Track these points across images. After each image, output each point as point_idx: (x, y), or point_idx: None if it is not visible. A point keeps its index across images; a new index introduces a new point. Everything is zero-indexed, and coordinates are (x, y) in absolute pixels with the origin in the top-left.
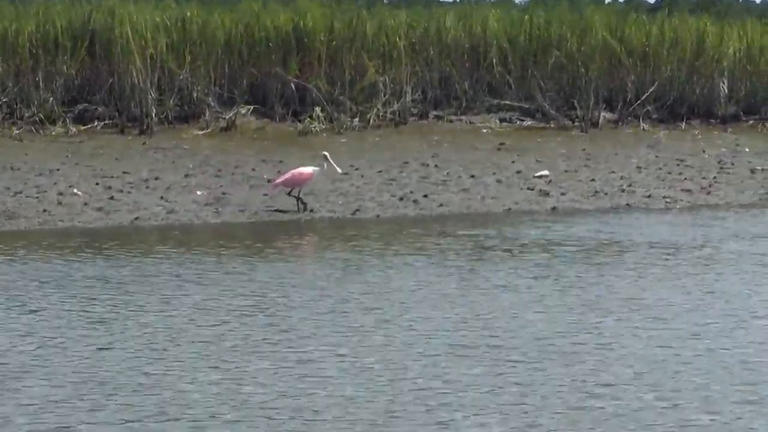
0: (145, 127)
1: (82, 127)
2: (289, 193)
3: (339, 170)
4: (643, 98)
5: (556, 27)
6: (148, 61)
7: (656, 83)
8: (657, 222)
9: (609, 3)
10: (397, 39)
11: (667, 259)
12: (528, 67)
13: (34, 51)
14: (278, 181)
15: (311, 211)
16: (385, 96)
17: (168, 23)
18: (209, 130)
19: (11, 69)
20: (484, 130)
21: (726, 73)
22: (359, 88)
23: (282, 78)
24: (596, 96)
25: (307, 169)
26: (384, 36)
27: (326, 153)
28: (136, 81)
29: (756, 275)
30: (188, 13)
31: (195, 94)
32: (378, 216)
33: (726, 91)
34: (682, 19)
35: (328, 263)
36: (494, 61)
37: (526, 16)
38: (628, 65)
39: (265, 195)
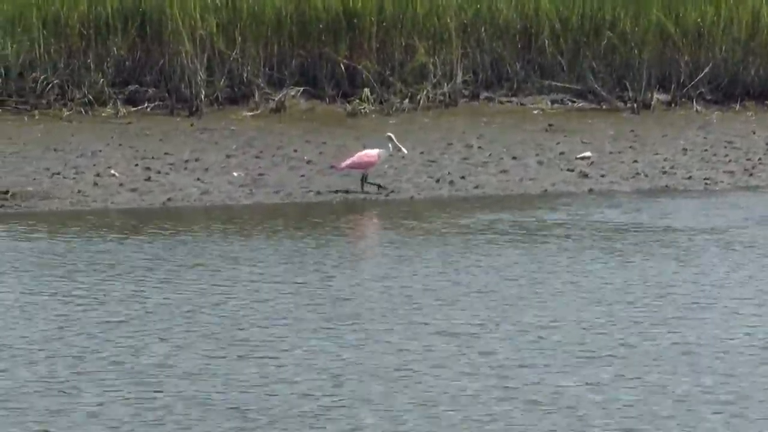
0: (194, 108)
1: (132, 109)
2: (363, 179)
3: (405, 150)
4: (696, 80)
5: (610, 7)
6: (198, 42)
7: (711, 64)
8: (684, 205)
9: None
10: (448, 20)
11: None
12: (580, 48)
13: (85, 32)
14: (344, 164)
15: (384, 191)
16: (435, 78)
17: (218, 3)
18: (259, 111)
19: (62, 50)
20: (535, 112)
21: None
22: (409, 70)
23: (332, 59)
24: (648, 77)
25: (373, 152)
26: (435, 17)
27: (391, 134)
28: (186, 62)
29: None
30: None
31: (245, 76)
32: (412, 197)
33: None
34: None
35: (335, 244)
36: (546, 42)
37: None
38: (682, 46)
39: (302, 176)
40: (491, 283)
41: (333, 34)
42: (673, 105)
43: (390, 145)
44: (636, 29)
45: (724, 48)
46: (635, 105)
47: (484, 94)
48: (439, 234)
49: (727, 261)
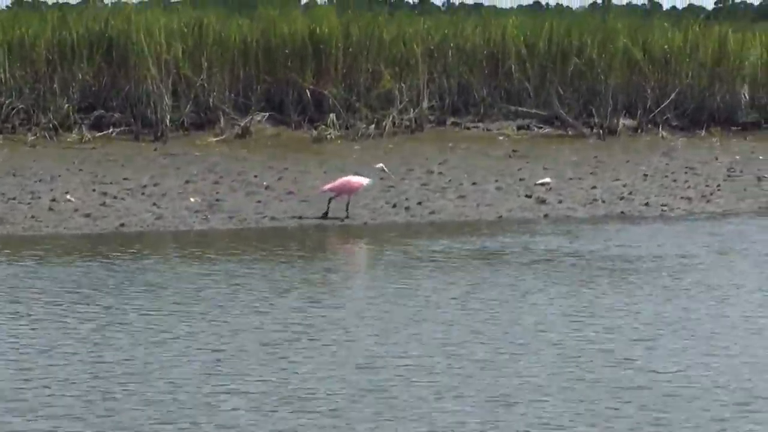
0: (159, 133)
1: (98, 134)
2: (330, 200)
3: (393, 177)
4: (663, 106)
5: (577, 33)
6: (163, 67)
7: (677, 90)
8: (636, 232)
9: (665, 11)
10: (415, 46)
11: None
12: (547, 74)
13: (50, 57)
14: (326, 186)
15: (346, 218)
16: (401, 103)
17: (184, 29)
18: (224, 136)
19: (28, 75)
20: (501, 138)
21: (747, 80)
22: (375, 95)
23: (298, 85)
24: (615, 103)
25: (357, 179)
26: (401, 42)
27: (382, 165)
28: (151, 87)
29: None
30: (205, 20)
31: (211, 101)
32: (365, 223)
33: (747, 98)
34: (705, 26)
35: (268, 267)
36: (513, 68)
37: (546, 23)
38: (649, 72)
39: (259, 202)
40: (420, 310)
41: (299, 60)
42: (639, 131)
43: (377, 176)
44: (603, 56)
45: (690, 74)
46: (601, 131)
47: (450, 120)
48: (377, 260)
49: (666, 290)
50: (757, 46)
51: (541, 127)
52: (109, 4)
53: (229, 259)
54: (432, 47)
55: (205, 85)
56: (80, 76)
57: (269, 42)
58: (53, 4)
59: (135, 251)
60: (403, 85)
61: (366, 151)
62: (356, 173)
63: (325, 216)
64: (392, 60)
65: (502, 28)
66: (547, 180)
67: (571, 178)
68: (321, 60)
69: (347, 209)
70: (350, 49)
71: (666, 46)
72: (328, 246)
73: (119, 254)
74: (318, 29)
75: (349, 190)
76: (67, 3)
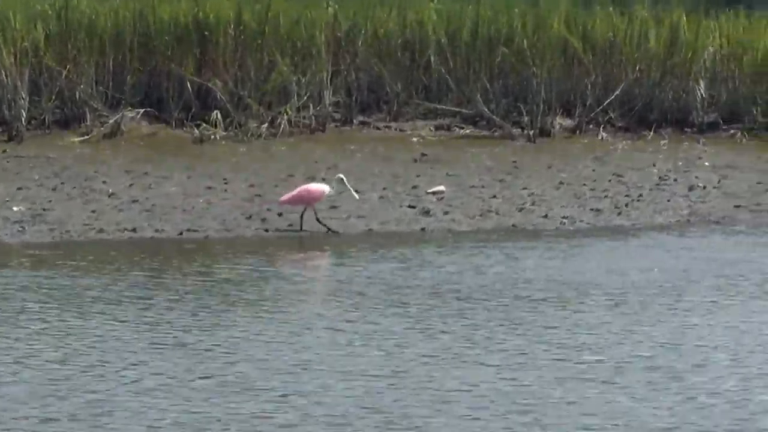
0: (14, 132)
1: None
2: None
3: (356, 196)
4: (605, 103)
5: (505, 20)
6: (20, 56)
7: (622, 85)
8: (512, 249)
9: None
10: (318, 33)
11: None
12: (471, 67)
13: None
14: (284, 198)
15: (336, 234)
16: (300, 99)
17: (49, 11)
18: (90, 136)
19: None
20: (414, 139)
21: (704, 75)
22: (268, 89)
23: (179, 76)
24: (548, 101)
25: (316, 186)
26: (302, 29)
27: (342, 176)
28: (5, 79)
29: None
30: (73, 1)
31: (77, 95)
32: (207, 237)
33: (703, 95)
34: (656, 13)
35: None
36: (432, 59)
37: (471, 8)
38: (589, 64)
39: (93, 212)
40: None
41: (182, 49)
42: (577, 132)
43: (334, 185)
44: (536, 45)
45: (638, 67)
46: (532, 132)
47: (358, 119)
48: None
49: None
50: (716, 36)
51: (463, 128)
52: None
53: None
54: (339, 35)
55: (72, 77)
56: None
57: (146, 27)
58: None
59: None
60: (301, 78)
61: (251, 154)
62: (225, 180)
63: (300, 230)
64: (291, 49)
65: (420, 13)
66: (441, 188)
67: (473, 186)
68: (207, 48)
69: (302, 219)
70: (242, 37)
71: (610, 34)
72: (132, 262)
73: None
74: (203, 13)
75: (309, 200)
76: None
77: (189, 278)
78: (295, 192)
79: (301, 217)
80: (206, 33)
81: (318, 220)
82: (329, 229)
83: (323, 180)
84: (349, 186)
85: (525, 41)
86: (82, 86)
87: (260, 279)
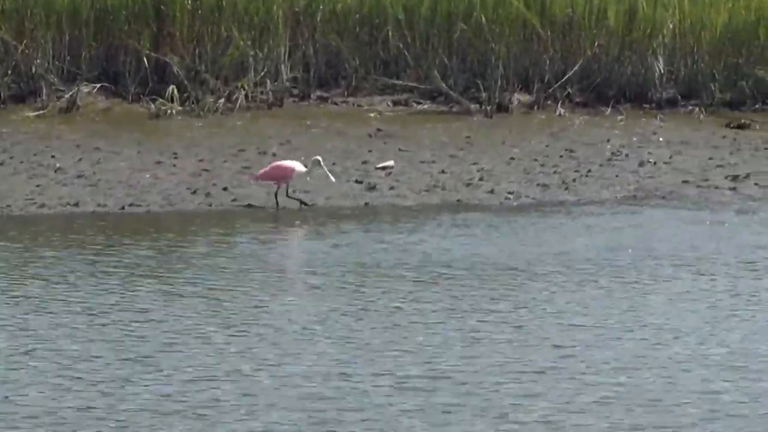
0: None
1: None
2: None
3: (333, 179)
4: (564, 79)
5: None
6: None
7: (580, 62)
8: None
9: None
10: (275, 7)
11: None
12: (429, 42)
13: None
14: (257, 175)
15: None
16: (258, 74)
17: None
18: (45, 110)
19: None
20: (371, 114)
21: (662, 51)
22: (225, 64)
23: (136, 51)
24: (507, 76)
25: (288, 163)
26: (260, 3)
27: (319, 158)
28: None
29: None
30: None
31: (33, 69)
32: (148, 211)
33: (661, 71)
34: None
35: None
36: (390, 34)
37: None
38: (548, 40)
39: (38, 186)
40: None
41: (138, 23)
42: (536, 108)
43: (310, 165)
44: (494, 20)
45: (596, 43)
46: (489, 108)
47: (316, 94)
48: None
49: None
50: (675, 12)
51: (421, 103)
52: None
53: None
54: (297, 9)
55: (27, 51)
56: None
57: (104, 1)
58: None
59: None
60: (258, 52)
61: (206, 129)
62: (175, 155)
63: (276, 207)
64: (249, 24)
65: None
66: (390, 163)
67: (422, 162)
68: (163, 23)
69: (276, 197)
70: (199, 11)
71: (569, 10)
72: (65, 238)
73: None
74: None
75: (281, 177)
76: None
77: (109, 251)
78: (267, 168)
79: (276, 194)
80: (162, 7)
81: (288, 195)
82: (303, 202)
83: (274, 155)
84: (325, 168)
85: (483, 17)
86: (38, 61)
87: (184, 253)
